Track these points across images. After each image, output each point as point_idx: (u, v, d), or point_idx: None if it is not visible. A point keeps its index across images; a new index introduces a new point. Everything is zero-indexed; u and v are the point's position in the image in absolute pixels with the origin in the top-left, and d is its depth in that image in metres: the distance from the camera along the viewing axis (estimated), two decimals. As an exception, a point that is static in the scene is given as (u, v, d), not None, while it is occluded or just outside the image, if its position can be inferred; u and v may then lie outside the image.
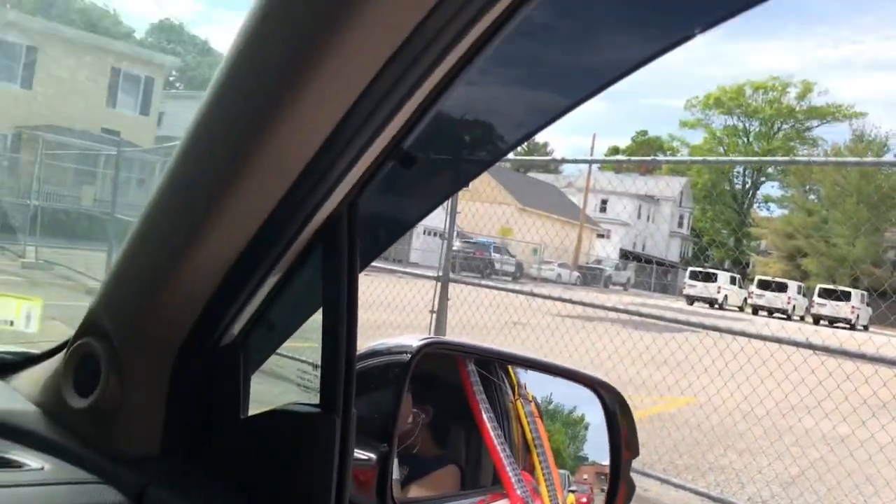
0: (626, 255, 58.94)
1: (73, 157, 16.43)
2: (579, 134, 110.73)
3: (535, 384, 1.52)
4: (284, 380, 1.23)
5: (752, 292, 38.41)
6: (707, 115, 72.85)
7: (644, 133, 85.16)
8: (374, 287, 11.32)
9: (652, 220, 67.50)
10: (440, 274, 6.33)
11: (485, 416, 1.34)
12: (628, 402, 1.43)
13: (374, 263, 1.28)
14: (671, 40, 0.75)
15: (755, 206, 73.41)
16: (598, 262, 52.82)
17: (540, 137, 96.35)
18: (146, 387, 0.96)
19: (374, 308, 11.51)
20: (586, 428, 1.52)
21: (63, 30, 26.71)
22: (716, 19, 0.71)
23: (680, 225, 70.53)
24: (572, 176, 69.81)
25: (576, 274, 43.90)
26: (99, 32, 33.39)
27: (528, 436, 1.42)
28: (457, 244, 40.39)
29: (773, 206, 72.87)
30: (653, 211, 67.76)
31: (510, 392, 1.46)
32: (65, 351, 1.01)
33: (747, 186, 73.02)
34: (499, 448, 1.33)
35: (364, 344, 1.13)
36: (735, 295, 41.95)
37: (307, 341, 0.95)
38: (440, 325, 6.25)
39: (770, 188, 72.85)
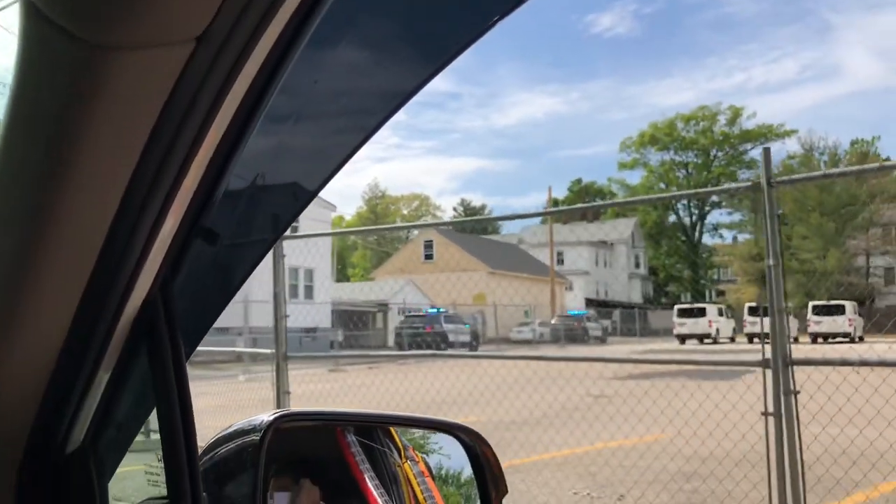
0: (591, 302, 57.92)
1: None
2: (503, 194, 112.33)
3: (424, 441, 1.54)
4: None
5: (746, 320, 37.34)
6: (643, 155, 73.52)
7: (579, 181, 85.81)
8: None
9: (609, 265, 66.96)
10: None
11: (370, 486, 1.33)
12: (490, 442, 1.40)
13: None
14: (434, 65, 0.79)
15: (705, 234, 73.82)
16: (561, 315, 51.42)
17: (476, 201, 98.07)
18: None
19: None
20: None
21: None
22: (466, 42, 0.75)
23: (637, 266, 70.18)
24: (515, 234, 69.16)
25: (545, 330, 41.71)
26: None
27: (420, 496, 1.40)
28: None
29: (724, 232, 73.44)
30: (608, 256, 67.26)
31: (396, 455, 1.43)
32: None
33: (694, 218, 73.45)
34: None
35: None
36: (725, 326, 40.98)
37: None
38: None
39: (718, 215, 73.47)
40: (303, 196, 0.92)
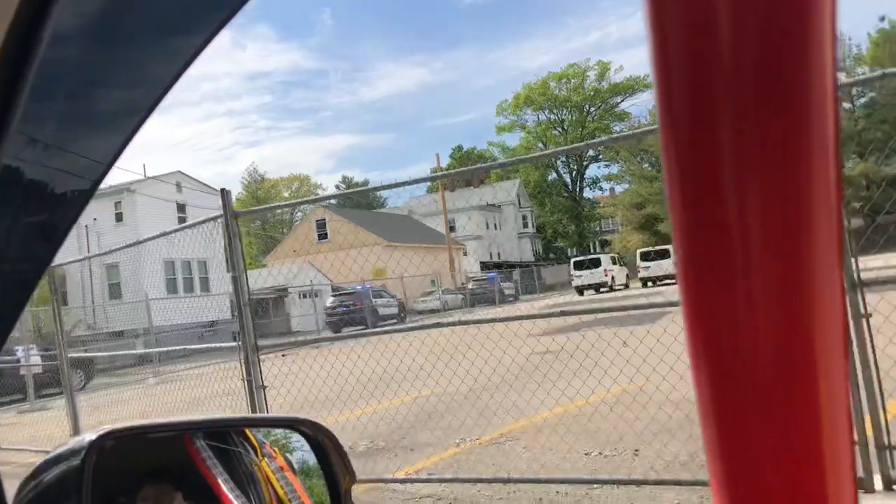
0: (486, 265, 58.64)
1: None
2: (380, 168, 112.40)
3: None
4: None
5: (640, 266, 38.75)
6: (519, 116, 74.57)
7: (460, 148, 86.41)
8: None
9: (499, 227, 67.85)
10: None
11: (225, 489, 1.30)
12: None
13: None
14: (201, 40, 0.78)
15: (586, 189, 75.93)
16: (475, 279, 51.85)
17: (356, 178, 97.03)
18: None
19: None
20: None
21: None
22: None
23: (525, 225, 71.43)
24: (403, 205, 69.03)
25: (460, 296, 42.09)
26: None
27: (281, 492, 1.38)
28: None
29: (604, 184, 75.79)
30: (498, 218, 68.12)
31: (253, 455, 1.42)
32: None
33: (574, 174, 75.34)
34: None
35: None
36: (619, 274, 42.33)
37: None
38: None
39: (596, 169, 75.69)
40: (79, 199, 0.87)
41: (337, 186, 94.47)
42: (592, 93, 70.97)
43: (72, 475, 1.09)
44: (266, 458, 1.43)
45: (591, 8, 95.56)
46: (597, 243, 74.52)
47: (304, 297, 40.13)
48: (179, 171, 33.56)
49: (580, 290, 40.38)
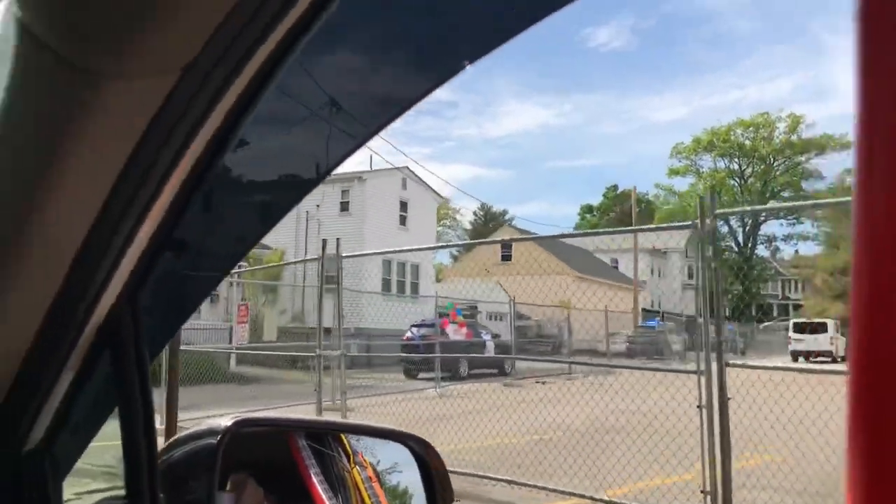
0: (648, 312, 54.64)
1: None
2: (501, 202, 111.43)
3: (365, 449, 1.54)
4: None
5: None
6: (694, 161, 70.40)
7: (615, 188, 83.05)
8: None
9: (662, 274, 63.66)
10: None
11: (319, 489, 1.36)
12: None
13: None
14: (442, 76, 0.81)
15: (759, 246, 70.79)
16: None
17: (497, 206, 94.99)
18: None
19: None
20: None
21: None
22: (483, 51, 0.78)
23: (690, 276, 66.86)
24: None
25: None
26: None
27: (367, 501, 1.42)
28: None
29: (781, 244, 70.48)
30: (662, 265, 63.98)
31: (346, 461, 1.46)
32: None
33: (747, 228, 70.36)
34: None
35: None
36: (841, 343, 37.70)
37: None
38: None
39: (776, 227, 70.62)
40: (269, 220, 0.94)
41: (474, 213, 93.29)
42: (781, 146, 66.09)
43: (206, 454, 1.14)
44: (357, 467, 1.43)
45: (732, 67, 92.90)
46: (754, 308, 68.96)
47: (491, 318, 37.33)
48: (407, 167, 31.45)
49: (795, 356, 35.97)
